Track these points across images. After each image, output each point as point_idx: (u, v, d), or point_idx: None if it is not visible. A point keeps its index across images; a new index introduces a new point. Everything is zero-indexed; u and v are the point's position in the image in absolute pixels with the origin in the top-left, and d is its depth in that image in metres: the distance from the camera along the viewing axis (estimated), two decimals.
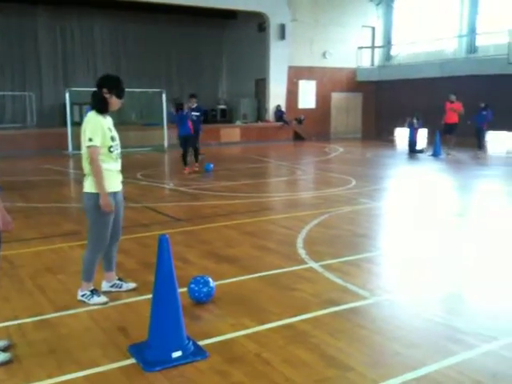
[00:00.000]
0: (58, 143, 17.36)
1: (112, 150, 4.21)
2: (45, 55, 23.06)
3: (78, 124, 15.56)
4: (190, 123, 12.62)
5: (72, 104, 18.33)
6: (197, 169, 12.70)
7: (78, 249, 5.96)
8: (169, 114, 13.73)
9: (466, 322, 3.98)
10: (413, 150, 17.41)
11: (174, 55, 25.96)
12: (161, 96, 19.13)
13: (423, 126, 18.43)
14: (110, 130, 4.22)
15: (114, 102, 4.26)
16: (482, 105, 17.33)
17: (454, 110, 16.58)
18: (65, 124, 17.78)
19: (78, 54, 23.73)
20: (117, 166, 4.32)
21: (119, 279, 4.65)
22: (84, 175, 4.27)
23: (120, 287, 4.58)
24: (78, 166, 13.61)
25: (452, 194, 10.43)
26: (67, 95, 17.60)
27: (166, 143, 18.85)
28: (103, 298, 4.33)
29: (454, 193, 10.52)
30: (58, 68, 23.45)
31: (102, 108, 4.21)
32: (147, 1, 19.82)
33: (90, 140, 4.07)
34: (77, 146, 16.50)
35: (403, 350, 3.55)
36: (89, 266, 4.33)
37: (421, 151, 17.44)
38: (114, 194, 4.29)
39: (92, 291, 4.35)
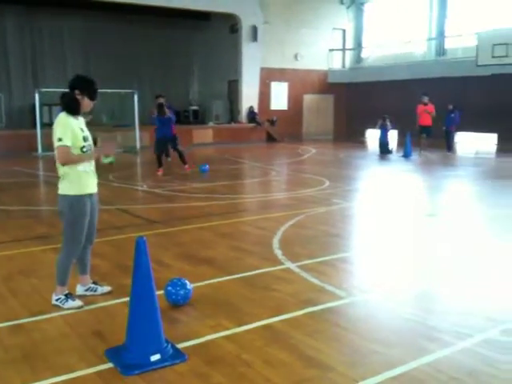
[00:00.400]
0: (27, 145, 17.04)
1: (85, 150, 4.14)
2: (14, 55, 22.60)
3: (47, 125, 15.38)
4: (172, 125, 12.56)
5: (42, 105, 18.04)
6: (187, 171, 12.63)
7: (50, 252, 5.85)
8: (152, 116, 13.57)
9: (441, 321, 4.04)
10: (384, 151, 17.65)
11: (145, 56, 25.72)
12: (132, 97, 18.95)
13: (394, 128, 18.66)
14: (82, 130, 4.17)
15: (86, 104, 4.22)
16: (450, 107, 17.64)
17: (427, 112, 16.74)
18: (34, 125, 17.47)
19: (48, 54, 23.33)
20: (91, 166, 4.27)
21: (94, 283, 4.58)
22: (58, 177, 4.20)
23: (95, 291, 4.51)
24: (48, 168, 13.38)
25: (423, 194, 10.59)
26: (37, 96, 17.29)
27: (138, 144, 18.68)
28: (78, 302, 4.26)
29: (425, 193, 10.69)
30: (27, 68, 23.02)
31: (73, 109, 4.15)
32: (118, 1, 19.61)
33: (60, 140, 4.01)
34: (47, 147, 16.28)
35: (381, 348, 3.58)
36: (63, 269, 4.26)
37: (390, 152, 17.68)
38: (90, 195, 4.23)
39: (66, 295, 4.27)
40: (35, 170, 13.98)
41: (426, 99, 16.60)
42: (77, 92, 4.17)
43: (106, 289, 4.58)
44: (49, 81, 22.57)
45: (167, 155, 13.68)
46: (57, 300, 4.26)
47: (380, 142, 18.03)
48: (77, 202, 4.12)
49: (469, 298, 4.56)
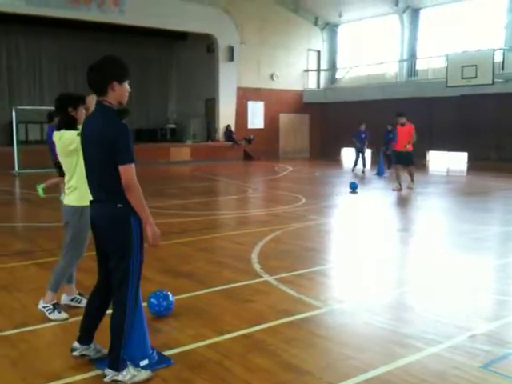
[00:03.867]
0: (3, 162, 16.94)
1: None
2: None
3: (23, 142, 15.27)
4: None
5: (18, 122, 17.98)
6: None
7: (32, 267, 5.93)
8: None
9: (411, 328, 4.26)
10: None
11: None
12: None
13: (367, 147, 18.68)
14: None
15: (81, 114, 4.35)
16: (389, 127, 17.06)
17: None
18: (11, 143, 17.41)
19: (24, 71, 23.32)
20: None
21: (79, 294, 4.70)
22: (69, 188, 4.32)
23: (79, 302, 4.63)
24: (25, 186, 13.29)
25: (395, 210, 10.91)
26: (14, 114, 17.25)
27: None
28: (64, 315, 4.37)
29: (397, 209, 11.01)
30: (3, 86, 22.95)
31: (73, 126, 4.28)
32: (94, 20, 19.79)
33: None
34: (23, 165, 16.24)
35: (355, 354, 3.77)
36: (61, 276, 4.40)
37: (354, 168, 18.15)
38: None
39: (54, 305, 4.37)
40: (11, 188, 13.94)
41: (402, 120, 13.50)
42: (70, 109, 4.33)
43: None
44: (24, 99, 22.56)
45: None
46: (44, 307, 4.36)
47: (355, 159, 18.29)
48: (86, 212, 4.22)
49: (437, 306, 4.79)
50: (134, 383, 3.28)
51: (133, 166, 3.24)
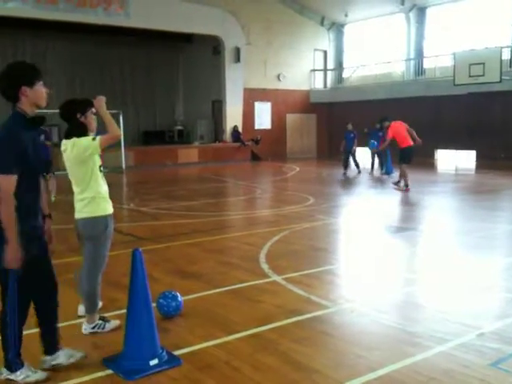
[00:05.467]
0: None
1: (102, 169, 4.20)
2: None
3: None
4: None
5: None
6: None
7: None
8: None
9: (420, 327, 4.26)
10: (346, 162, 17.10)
11: (129, 78, 26.03)
12: (117, 117, 19.15)
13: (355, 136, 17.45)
14: None
15: (91, 119, 4.16)
16: (378, 126, 16.69)
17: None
18: None
19: None
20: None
21: None
22: (84, 200, 4.09)
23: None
24: None
25: (403, 209, 10.88)
26: None
27: (123, 164, 18.85)
28: (115, 321, 4.26)
29: (407, 208, 10.98)
30: None
31: (84, 134, 4.07)
32: (102, 24, 19.89)
33: (94, 139, 3.98)
34: None
35: (364, 353, 3.78)
36: (93, 295, 4.18)
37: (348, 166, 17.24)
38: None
39: (101, 319, 4.25)
40: None
41: (387, 124, 14.01)
42: (79, 115, 4.09)
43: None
44: None
45: None
46: (93, 327, 4.18)
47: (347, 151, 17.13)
48: (111, 221, 4.26)
49: (446, 305, 4.79)
50: (27, 383, 3.35)
51: (8, 177, 3.08)
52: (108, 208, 4.19)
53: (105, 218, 4.12)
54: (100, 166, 4.15)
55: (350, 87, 25.23)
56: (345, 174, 16.85)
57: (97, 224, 4.09)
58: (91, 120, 4.13)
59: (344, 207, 11.09)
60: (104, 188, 4.18)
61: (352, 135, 17.04)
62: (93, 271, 4.17)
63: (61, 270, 5.84)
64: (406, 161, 12.66)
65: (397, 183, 13.10)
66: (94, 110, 4.12)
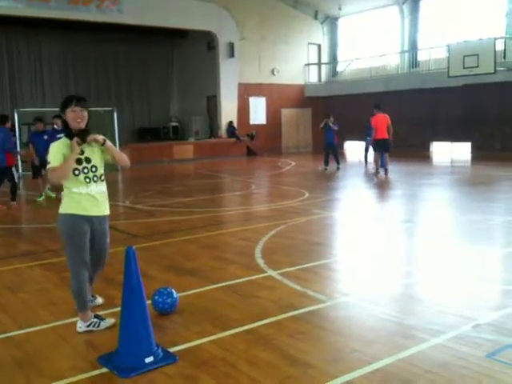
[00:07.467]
0: None
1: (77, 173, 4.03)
2: None
3: (26, 145, 15.30)
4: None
5: (20, 125, 18.04)
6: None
7: (37, 268, 5.96)
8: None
9: (416, 319, 4.26)
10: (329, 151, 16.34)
11: (123, 74, 25.96)
12: (112, 115, 19.08)
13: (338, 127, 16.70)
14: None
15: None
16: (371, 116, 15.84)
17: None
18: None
19: (25, 73, 23.39)
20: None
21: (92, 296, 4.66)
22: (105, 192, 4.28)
23: (92, 302, 4.64)
24: (28, 187, 13.30)
25: (400, 202, 10.88)
26: (16, 116, 17.31)
27: None
28: (110, 320, 4.22)
29: (402, 201, 10.98)
30: (4, 88, 23.03)
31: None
32: (94, 21, 19.80)
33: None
34: (26, 167, 16.25)
35: (360, 347, 3.77)
36: (75, 293, 4.11)
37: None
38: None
39: (96, 317, 4.18)
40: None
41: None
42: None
43: (99, 301, 4.70)
44: (26, 101, 22.63)
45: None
46: (88, 326, 4.11)
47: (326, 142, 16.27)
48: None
49: (442, 297, 4.78)
50: None
51: None
52: (77, 208, 4.02)
53: (62, 216, 4.03)
54: (75, 170, 3.97)
55: (345, 81, 25.22)
56: (326, 169, 16.26)
57: (61, 222, 4.05)
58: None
59: (340, 201, 11.08)
60: (82, 189, 4.02)
61: (336, 128, 16.10)
62: (71, 269, 4.11)
63: (59, 268, 5.86)
64: (379, 150, 14.47)
65: (376, 172, 14.46)
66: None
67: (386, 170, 14.34)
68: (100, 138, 4.04)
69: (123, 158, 4.22)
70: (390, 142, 14.31)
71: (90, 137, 3.99)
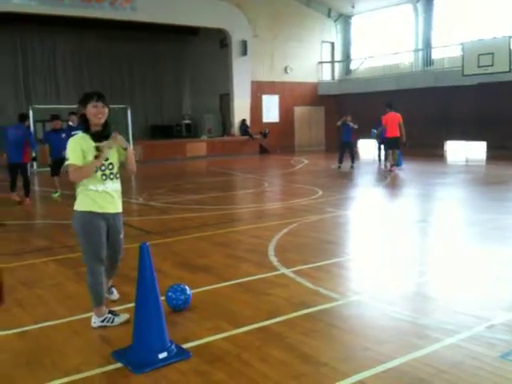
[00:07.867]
0: None
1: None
2: (6, 73, 22.81)
3: (41, 141, 15.49)
4: None
5: (35, 122, 18.18)
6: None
7: (52, 264, 6.03)
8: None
9: (429, 319, 4.24)
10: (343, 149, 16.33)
11: (136, 72, 26.10)
12: (126, 112, 19.18)
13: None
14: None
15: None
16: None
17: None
18: None
19: (39, 71, 23.58)
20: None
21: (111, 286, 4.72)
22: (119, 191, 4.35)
23: (111, 293, 4.71)
24: (44, 183, 13.43)
25: (413, 201, 10.83)
26: (31, 113, 17.44)
27: None
28: (124, 315, 4.24)
29: (415, 200, 10.92)
30: (19, 85, 23.24)
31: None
32: (107, 18, 19.90)
33: None
34: (41, 163, 16.39)
35: (372, 345, 3.77)
36: (91, 289, 4.14)
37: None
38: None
39: (110, 313, 4.21)
40: (31, 186, 14.07)
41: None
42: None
43: (114, 297, 4.75)
44: (40, 98, 22.81)
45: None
46: (103, 321, 4.15)
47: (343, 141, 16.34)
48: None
49: (456, 297, 4.76)
50: None
51: None
52: (93, 205, 4.06)
53: (78, 213, 4.08)
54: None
55: (358, 79, 25.10)
56: (339, 167, 16.24)
57: (77, 219, 4.10)
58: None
59: (353, 200, 11.05)
60: (99, 186, 4.07)
61: (351, 127, 16.11)
62: (88, 265, 4.16)
63: (74, 263, 5.91)
64: (391, 148, 14.89)
65: (388, 171, 14.77)
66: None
67: (391, 166, 14.83)
68: (125, 143, 4.18)
69: (134, 164, 4.34)
70: (403, 141, 14.56)
71: (119, 141, 4.10)
